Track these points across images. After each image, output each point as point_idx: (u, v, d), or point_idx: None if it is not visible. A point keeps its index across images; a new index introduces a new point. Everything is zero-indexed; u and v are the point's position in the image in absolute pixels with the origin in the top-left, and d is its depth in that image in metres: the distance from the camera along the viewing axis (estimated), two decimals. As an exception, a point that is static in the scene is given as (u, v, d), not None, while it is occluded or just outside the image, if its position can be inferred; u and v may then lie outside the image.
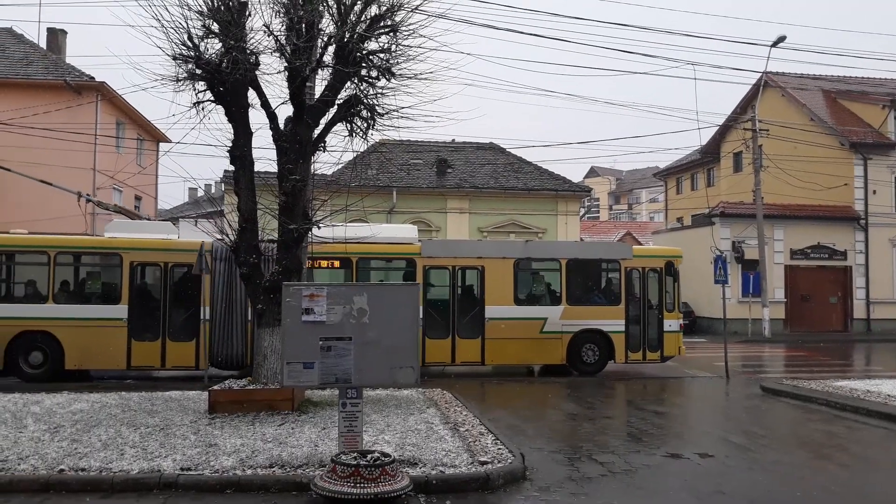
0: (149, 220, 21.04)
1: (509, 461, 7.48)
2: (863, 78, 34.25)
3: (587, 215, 66.31)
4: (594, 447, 8.86)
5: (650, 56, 58.30)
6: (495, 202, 27.54)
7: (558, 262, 15.88)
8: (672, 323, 16.33)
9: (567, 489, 7.00)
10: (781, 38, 25.59)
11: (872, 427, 10.36)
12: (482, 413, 10.28)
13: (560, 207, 28.05)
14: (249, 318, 13.50)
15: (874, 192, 29.25)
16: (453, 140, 30.04)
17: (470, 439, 8.43)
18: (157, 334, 14.08)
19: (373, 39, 10.28)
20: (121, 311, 14.02)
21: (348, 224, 12.72)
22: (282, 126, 10.55)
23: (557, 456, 8.39)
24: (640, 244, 53.23)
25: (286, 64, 9.99)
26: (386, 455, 6.44)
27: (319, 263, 14.65)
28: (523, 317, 15.57)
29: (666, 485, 7.25)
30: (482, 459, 7.46)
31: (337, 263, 14.91)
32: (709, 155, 38.79)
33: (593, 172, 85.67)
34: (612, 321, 15.87)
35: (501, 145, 31.00)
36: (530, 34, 35.31)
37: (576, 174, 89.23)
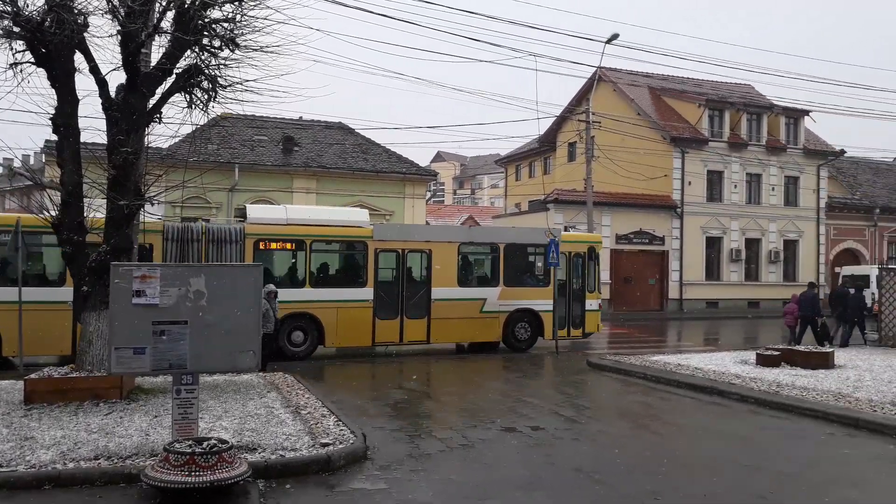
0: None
1: (351, 442, 7.54)
2: (685, 78, 37.36)
3: (432, 199, 67.43)
4: (434, 424, 9.14)
5: (496, 45, 59.87)
6: (343, 183, 27.29)
7: (497, 247, 16.86)
8: (593, 303, 17.94)
9: (407, 466, 7.19)
10: (615, 36, 27.19)
11: (682, 397, 11.49)
12: (325, 395, 10.26)
13: (407, 190, 28.34)
14: None
15: (689, 183, 32.19)
16: (301, 118, 29.37)
17: (312, 422, 8.39)
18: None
19: (216, 7, 9.80)
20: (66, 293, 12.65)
21: (304, 207, 12.02)
22: (113, 94, 9.81)
23: (399, 434, 8.58)
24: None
25: (119, 28, 9.29)
26: (223, 441, 6.27)
27: (273, 244, 15.02)
28: (466, 297, 16.35)
29: (501, 458, 7.64)
30: (323, 441, 7.47)
31: (291, 245, 15.18)
32: (546, 144, 40.78)
33: (439, 157, 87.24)
34: (542, 301, 17.05)
35: (350, 125, 30.77)
36: (380, 14, 35.16)
37: (423, 158, 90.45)
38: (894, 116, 48.70)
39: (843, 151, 35.51)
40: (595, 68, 31.47)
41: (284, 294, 14.10)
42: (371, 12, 20.56)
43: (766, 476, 7.07)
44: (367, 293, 15.40)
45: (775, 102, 34.70)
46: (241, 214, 15.85)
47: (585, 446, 8.24)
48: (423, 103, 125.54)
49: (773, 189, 34.06)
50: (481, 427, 9.02)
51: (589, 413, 10.26)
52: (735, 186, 33.35)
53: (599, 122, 29.68)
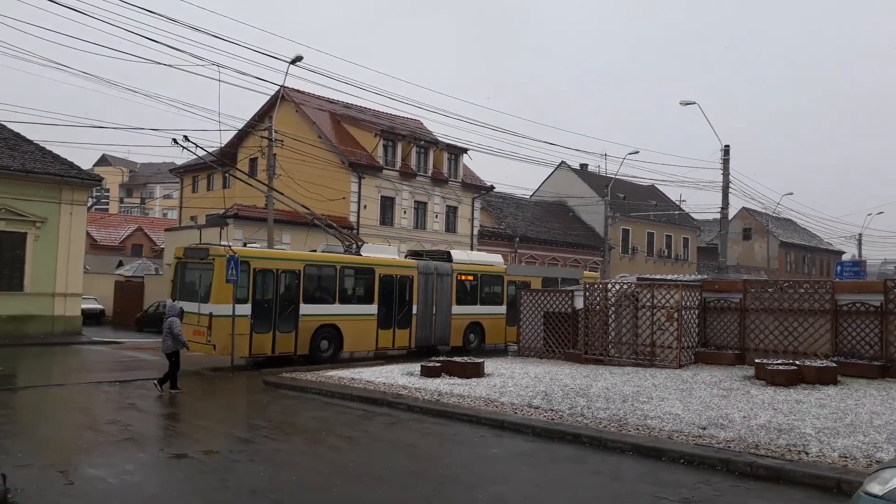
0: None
1: (-13, 485, 6.52)
2: (364, 108, 39.23)
3: (95, 207, 60.83)
4: (93, 457, 8.28)
5: (177, 50, 56.43)
6: (-20, 182, 23.25)
7: (556, 280, 25.47)
8: None
9: (61, 507, 6.43)
10: (299, 58, 27.56)
11: (355, 410, 12.01)
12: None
13: (65, 196, 25.16)
14: (434, 312, 21.58)
15: (365, 206, 33.90)
16: (-79, 100, 24.35)
17: (-68, 466, 7.03)
18: (391, 324, 20.45)
19: None
20: (373, 308, 19.95)
21: (474, 252, 26.67)
22: None
23: (50, 471, 7.60)
24: (153, 240, 51.29)
25: None
26: None
27: (463, 277, 22.86)
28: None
29: (170, 487, 7.23)
30: (-50, 488, 6.35)
31: (472, 278, 23.21)
32: (227, 157, 39.57)
33: (105, 161, 79.22)
34: None
35: (-7, 117, 26.31)
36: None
37: (86, 160, 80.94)
38: (531, 160, 57.22)
39: (492, 187, 40.55)
40: (279, 87, 31.54)
41: (467, 309, 22.82)
42: (26, -9, 17.85)
43: (429, 481, 7.76)
44: (503, 309, 23.90)
45: (440, 139, 38.35)
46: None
47: (262, 467, 8.17)
48: (92, 100, 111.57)
49: (436, 216, 37.46)
50: (148, 454, 8.43)
51: (265, 432, 10.18)
52: (405, 212, 35.97)
53: (282, 141, 29.69)
